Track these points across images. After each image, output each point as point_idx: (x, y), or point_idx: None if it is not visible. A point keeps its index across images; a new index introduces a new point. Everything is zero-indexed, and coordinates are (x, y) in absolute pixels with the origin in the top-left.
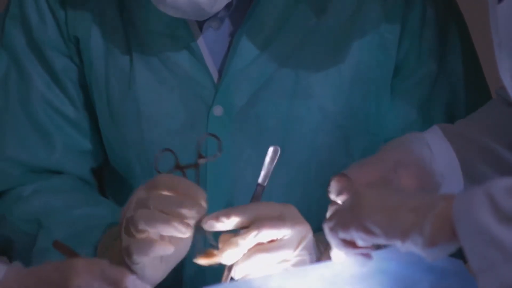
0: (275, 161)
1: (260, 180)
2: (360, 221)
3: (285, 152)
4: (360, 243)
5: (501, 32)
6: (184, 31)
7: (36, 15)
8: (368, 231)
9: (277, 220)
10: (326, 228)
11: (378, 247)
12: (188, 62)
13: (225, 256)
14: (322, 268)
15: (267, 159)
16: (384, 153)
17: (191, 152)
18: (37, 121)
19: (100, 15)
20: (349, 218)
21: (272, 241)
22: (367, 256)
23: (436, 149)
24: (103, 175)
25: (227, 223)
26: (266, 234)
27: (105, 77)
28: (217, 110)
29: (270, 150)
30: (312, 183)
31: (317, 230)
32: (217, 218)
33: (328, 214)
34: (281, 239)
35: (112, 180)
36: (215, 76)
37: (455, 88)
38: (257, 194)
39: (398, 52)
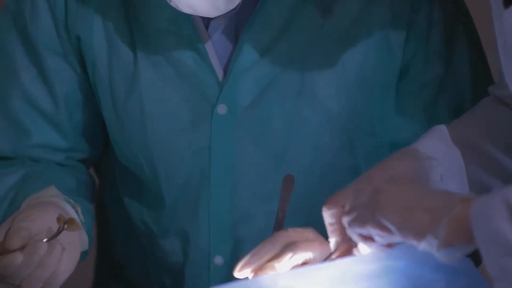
0: (292, 187)
1: (280, 207)
2: (376, 219)
3: (289, 153)
4: (377, 239)
5: (509, 37)
6: (190, 29)
7: (32, 11)
8: (384, 229)
9: (307, 243)
10: (345, 221)
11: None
12: (193, 61)
13: None
14: (330, 267)
15: (283, 187)
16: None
17: (194, 151)
18: (11, 113)
19: (103, 13)
20: (367, 215)
21: (303, 264)
22: (390, 246)
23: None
24: (115, 171)
25: (261, 262)
26: (300, 256)
27: (108, 75)
28: (221, 109)
29: (284, 178)
30: (316, 185)
31: (321, 231)
32: (247, 264)
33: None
34: (312, 260)
35: (124, 177)
36: (220, 74)
37: (462, 91)
38: (280, 221)
39: (404, 54)
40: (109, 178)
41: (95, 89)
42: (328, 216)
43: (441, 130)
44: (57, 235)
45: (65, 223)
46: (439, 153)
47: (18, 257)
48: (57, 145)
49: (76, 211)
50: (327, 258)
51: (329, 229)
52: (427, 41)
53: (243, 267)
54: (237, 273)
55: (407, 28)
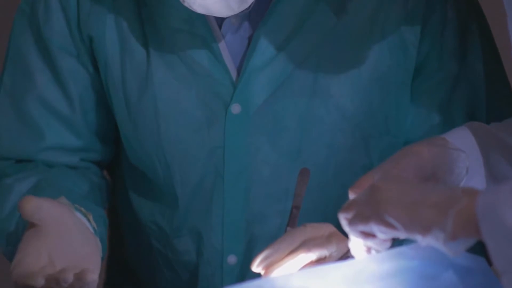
0: (307, 181)
1: (294, 202)
2: (380, 216)
3: (303, 152)
4: (380, 235)
5: None
6: (204, 28)
7: (45, 12)
8: (388, 225)
9: (324, 239)
10: (343, 219)
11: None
12: (207, 60)
13: None
14: (343, 266)
15: (299, 180)
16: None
17: (207, 150)
18: (25, 116)
19: (116, 12)
20: (368, 212)
21: (319, 260)
22: (386, 242)
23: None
24: (124, 172)
25: (278, 256)
26: (316, 254)
27: (121, 74)
28: (235, 108)
29: (300, 172)
30: (330, 184)
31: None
32: (265, 259)
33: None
34: (328, 257)
35: (133, 177)
36: (233, 74)
37: (476, 89)
38: (294, 217)
39: (418, 53)
40: (119, 178)
41: (107, 89)
42: None
43: (468, 126)
44: None
45: None
46: (467, 146)
47: None
48: (72, 145)
49: (88, 219)
50: (345, 255)
51: None
52: (441, 40)
53: (261, 262)
54: (255, 268)
55: (421, 27)
